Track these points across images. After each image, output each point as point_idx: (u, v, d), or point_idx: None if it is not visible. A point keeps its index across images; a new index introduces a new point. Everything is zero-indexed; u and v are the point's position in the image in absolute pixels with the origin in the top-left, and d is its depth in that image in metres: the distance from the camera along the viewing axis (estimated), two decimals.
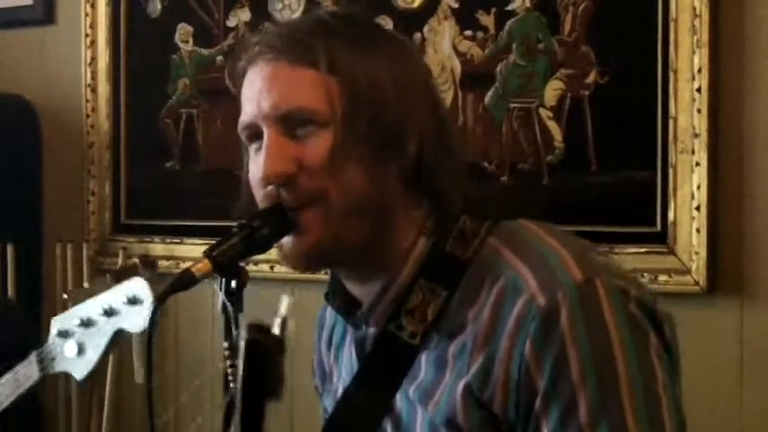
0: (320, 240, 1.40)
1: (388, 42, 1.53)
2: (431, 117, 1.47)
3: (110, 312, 1.87)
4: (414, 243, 1.46)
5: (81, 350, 1.91)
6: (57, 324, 1.96)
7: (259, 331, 1.21)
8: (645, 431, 1.31)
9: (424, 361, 1.42)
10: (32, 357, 2.02)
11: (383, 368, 1.46)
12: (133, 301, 1.87)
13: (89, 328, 1.90)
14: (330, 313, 1.65)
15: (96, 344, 1.90)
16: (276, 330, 1.22)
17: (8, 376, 2.06)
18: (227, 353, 1.45)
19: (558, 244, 1.41)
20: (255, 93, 1.42)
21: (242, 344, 1.22)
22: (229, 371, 1.32)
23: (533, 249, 1.41)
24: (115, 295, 1.89)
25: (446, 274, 1.43)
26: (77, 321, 1.91)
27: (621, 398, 1.31)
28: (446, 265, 1.44)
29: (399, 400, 1.44)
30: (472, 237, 1.44)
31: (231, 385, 1.31)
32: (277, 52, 1.42)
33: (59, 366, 1.96)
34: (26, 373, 2.04)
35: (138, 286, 1.87)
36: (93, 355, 1.91)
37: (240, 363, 1.22)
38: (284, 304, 1.27)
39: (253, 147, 1.44)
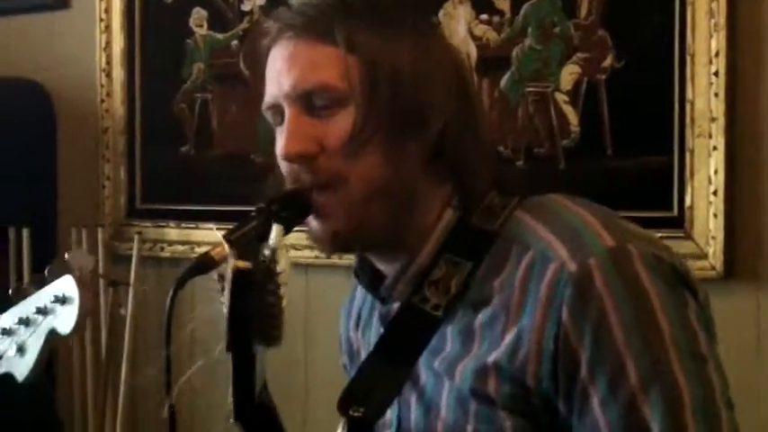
0: (344, 227, 1.41)
1: (412, 22, 1.51)
2: (455, 97, 1.47)
3: (43, 311, 1.82)
4: (439, 217, 1.45)
5: (21, 350, 1.85)
6: (1, 322, 1.90)
7: (248, 257, 1.22)
8: (696, 391, 1.30)
9: (450, 333, 1.41)
10: None
11: (404, 338, 1.45)
12: (63, 300, 1.80)
13: (28, 327, 1.85)
14: (359, 292, 1.65)
15: (34, 344, 1.84)
16: (264, 257, 1.23)
17: None
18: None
19: (588, 213, 1.40)
20: (276, 72, 1.43)
21: (228, 273, 1.21)
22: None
23: (562, 219, 1.41)
24: (47, 294, 1.82)
25: (471, 247, 1.43)
26: (17, 320, 1.86)
27: (670, 359, 1.31)
28: (471, 237, 1.43)
29: (424, 373, 1.44)
30: (500, 210, 1.44)
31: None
32: (297, 31, 1.42)
33: (3, 367, 1.89)
34: None
35: (66, 285, 1.80)
36: (31, 356, 1.85)
37: (227, 293, 1.22)
38: (274, 233, 1.29)
39: (277, 127, 1.45)
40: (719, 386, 1.33)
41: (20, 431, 2.27)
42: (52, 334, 1.80)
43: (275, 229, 1.30)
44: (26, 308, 1.83)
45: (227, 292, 1.20)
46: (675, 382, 1.30)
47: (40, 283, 1.82)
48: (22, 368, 1.83)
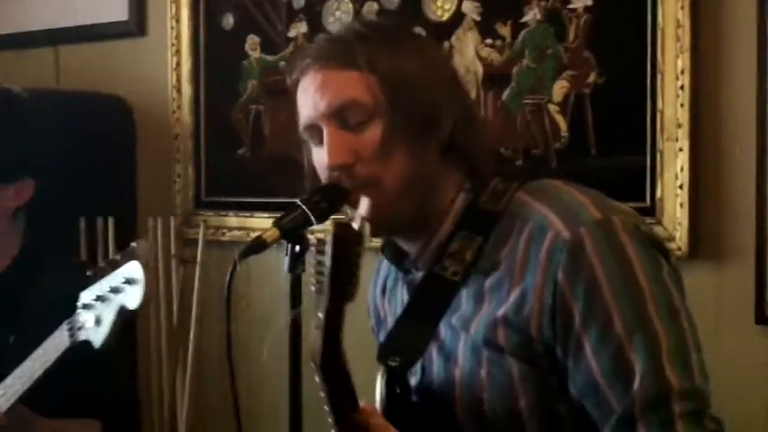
0: (378, 218, 1.39)
1: (415, 41, 1.55)
2: (459, 102, 1.48)
3: (115, 290, 1.84)
4: (453, 200, 1.46)
5: (98, 321, 1.88)
6: (83, 298, 1.93)
7: (344, 226, 1.22)
8: (671, 337, 1.31)
9: (465, 295, 1.42)
10: (63, 326, 1.97)
11: (429, 300, 1.46)
12: (131, 281, 1.82)
13: (103, 303, 1.87)
14: (384, 266, 1.65)
15: (108, 317, 1.87)
16: (356, 226, 1.24)
17: (38, 351, 2.02)
18: (292, 305, 1.44)
19: (579, 192, 1.41)
20: (310, 97, 1.43)
21: (329, 237, 1.20)
22: (314, 272, 1.27)
23: (556, 197, 1.41)
24: (118, 276, 1.85)
25: (481, 224, 1.43)
26: (95, 297, 1.89)
27: (649, 311, 1.31)
28: (481, 216, 1.43)
29: (443, 329, 1.44)
30: (503, 193, 1.44)
31: (313, 287, 1.27)
32: (324, 61, 1.43)
33: (83, 335, 1.92)
34: (56, 342, 1.99)
35: (134, 269, 1.83)
36: (105, 327, 1.87)
37: (328, 254, 1.20)
38: (363, 205, 1.30)
39: (314, 142, 1.46)
40: (690, 333, 1.34)
41: (97, 389, 2.24)
42: (122, 308, 1.83)
43: (364, 202, 1.31)
44: (102, 287, 1.86)
45: (328, 253, 1.19)
46: (654, 331, 1.31)
47: (112, 266, 1.85)
48: (98, 336, 1.87)
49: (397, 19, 2.76)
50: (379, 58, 1.41)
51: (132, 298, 1.83)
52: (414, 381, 1.48)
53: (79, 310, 1.92)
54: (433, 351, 1.46)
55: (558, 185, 1.45)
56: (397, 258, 1.54)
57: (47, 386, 2.09)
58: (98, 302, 1.89)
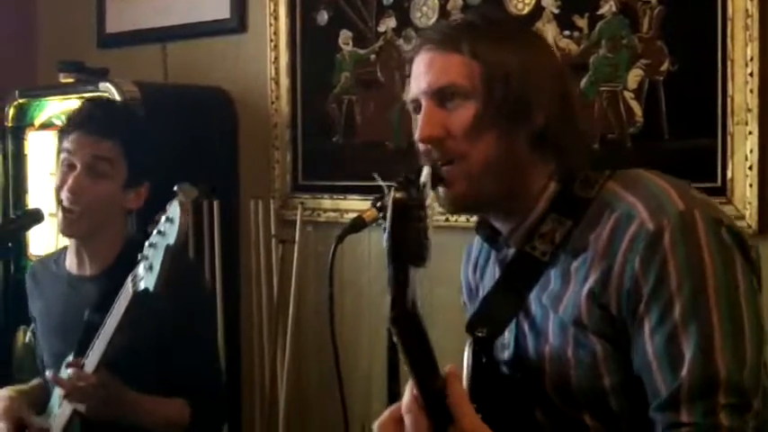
0: (464, 193, 1.41)
1: (520, 35, 1.53)
2: (556, 97, 1.46)
3: (161, 233, 1.82)
4: (545, 187, 1.45)
5: (151, 267, 1.85)
6: (143, 251, 1.90)
7: (403, 191, 1.18)
8: (726, 328, 1.29)
9: (554, 275, 1.42)
10: (128, 280, 1.96)
11: (518, 276, 1.45)
12: (171, 220, 1.79)
13: (154, 249, 1.85)
14: (475, 245, 1.65)
15: (157, 260, 1.83)
16: (417, 191, 1.20)
17: (112, 311, 2.01)
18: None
19: (665, 183, 1.39)
20: (418, 75, 1.45)
21: (389, 201, 1.17)
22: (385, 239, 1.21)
23: (645, 188, 1.39)
24: (163, 218, 1.82)
25: (572, 209, 1.43)
26: (148, 245, 1.87)
27: (709, 303, 1.30)
28: (573, 202, 1.43)
29: (534, 306, 1.44)
30: (594, 181, 1.43)
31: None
32: (435, 44, 1.45)
33: (141, 284, 1.89)
34: (123, 296, 1.99)
35: (173, 207, 1.79)
36: (156, 270, 1.84)
37: (388, 220, 1.17)
38: (425, 173, 1.29)
39: (416, 115, 1.47)
40: (750, 329, 1.31)
41: (187, 372, 2.25)
42: (167, 248, 1.80)
43: (425, 170, 1.30)
44: (153, 234, 1.85)
45: (388, 220, 1.16)
46: (711, 323, 1.29)
47: (163, 213, 1.84)
48: (151, 281, 1.84)
49: (497, 13, 2.68)
50: (482, 46, 1.42)
51: (172, 234, 1.79)
52: (507, 354, 1.47)
53: (139, 263, 1.91)
54: (525, 326, 1.45)
55: (646, 175, 1.43)
56: (490, 237, 1.54)
57: (139, 365, 2.15)
58: (150, 249, 1.86)
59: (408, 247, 1.16)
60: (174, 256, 1.81)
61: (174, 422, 2.21)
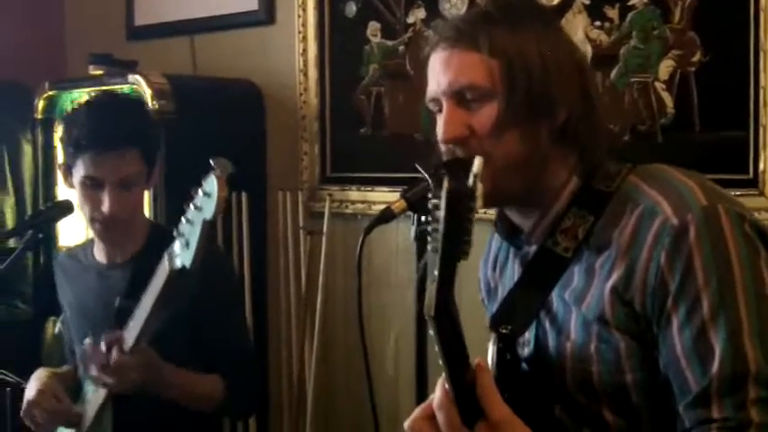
0: (487, 191, 1.33)
1: (541, 27, 1.48)
2: (577, 91, 1.45)
3: (198, 207, 1.77)
4: (567, 181, 1.45)
5: (187, 244, 1.81)
6: (179, 227, 1.86)
7: (457, 182, 1.18)
8: (754, 322, 1.29)
9: (577, 271, 1.41)
10: (165, 257, 1.94)
11: (541, 273, 1.45)
12: (207, 194, 1.74)
13: (190, 224, 1.81)
14: (495, 242, 1.65)
15: (194, 236, 1.79)
16: (470, 183, 1.19)
17: (149, 288, 2.00)
18: (421, 265, 1.41)
19: (688, 178, 1.39)
20: (436, 74, 1.44)
21: (444, 192, 1.16)
22: (430, 230, 1.20)
23: (667, 182, 1.39)
24: (199, 192, 1.77)
25: (593, 203, 1.42)
26: (184, 221, 1.82)
27: (737, 297, 1.29)
28: (593, 196, 1.42)
29: (555, 302, 1.44)
30: (615, 175, 1.43)
31: (429, 246, 1.20)
32: (450, 42, 1.43)
33: (177, 261, 1.88)
34: (160, 274, 1.97)
35: (210, 180, 1.75)
36: (193, 246, 1.80)
37: (442, 208, 1.16)
38: (476, 164, 1.26)
39: (437, 114, 1.46)
40: None
41: (221, 349, 2.27)
42: (204, 223, 1.76)
43: (477, 161, 1.26)
44: (189, 210, 1.80)
45: (443, 211, 1.16)
46: (739, 316, 1.29)
47: (198, 187, 1.79)
48: (188, 258, 1.81)
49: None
50: (501, 43, 1.40)
51: (209, 209, 1.75)
52: (527, 351, 1.46)
53: (175, 240, 1.88)
54: (546, 323, 1.45)
55: (668, 170, 1.43)
56: (510, 233, 1.54)
57: (173, 343, 2.15)
58: (186, 226, 1.82)
59: (461, 239, 1.15)
60: (210, 230, 1.80)
61: (210, 397, 2.23)
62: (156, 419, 2.21)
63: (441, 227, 1.15)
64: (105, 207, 2.17)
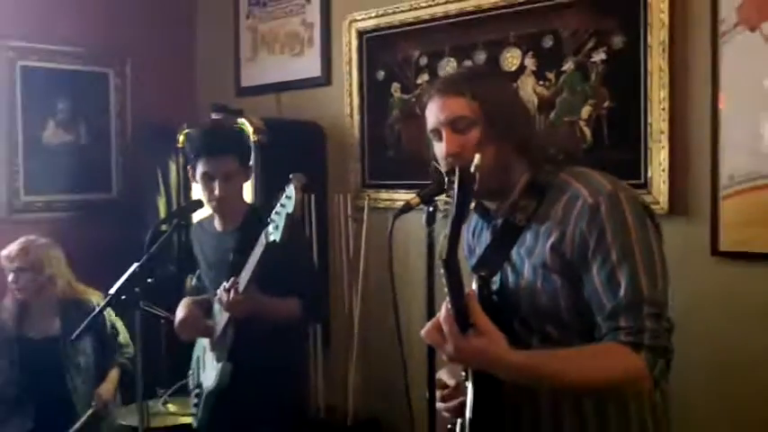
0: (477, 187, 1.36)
1: (500, 80, 1.56)
2: (525, 119, 1.46)
3: (283, 205, 1.85)
4: (521, 177, 1.43)
5: (277, 227, 1.86)
6: (271, 217, 1.91)
7: (465, 170, 1.17)
8: (647, 266, 1.28)
9: (528, 235, 1.39)
10: (263, 234, 1.96)
11: (505, 237, 1.42)
12: (289, 197, 1.81)
13: (278, 215, 1.87)
14: (473, 220, 1.60)
15: (282, 222, 1.86)
16: (472, 170, 1.19)
17: (253, 252, 2.03)
18: (429, 239, 1.45)
19: (599, 175, 1.38)
20: (434, 113, 1.41)
21: (456, 177, 1.13)
22: (444, 202, 1.19)
23: (585, 177, 1.37)
24: (283, 195, 1.84)
25: (538, 191, 1.40)
26: (275, 212, 1.90)
27: (633, 250, 1.29)
28: (538, 187, 1.40)
29: (514, 256, 1.41)
30: (552, 174, 1.41)
31: (441, 215, 1.19)
32: (443, 91, 1.41)
33: (271, 237, 1.91)
34: (260, 244, 2.00)
35: (290, 188, 1.82)
36: (280, 228, 1.86)
37: (455, 187, 1.13)
38: (477, 158, 1.25)
39: (435, 140, 1.43)
40: (660, 266, 1.31)
41: (300, 282, 2.23)
42: (287, 215, 1.84)
43: (477, 157, 1.25)
44: (277, 207, 1.88)
45: (456, 188, 1.13)
46: (636, 261, 1.29)
47: (283, 192, 1.87)
48: (277, 236, 1.89)
49: (487, 67, 2.73)
50: (478, 89, 1.39)
51: (290, 205, 1.81)
52: (494, 287, 1.43)
53: (268, 225, 1.92)
54: (508, 269, 1.42)
55: (585, 170, 1.41)
56: (484, 212, 1.51)
57: (270, 279, 2.18)
58: (276, 216, 1.87)
59: (465, 209, 1.15)
60: (292, 219, 1.85)
61: (292, 314, 2.23)
62: (260, 332, 2.21)
63: (453, 200, 1.14)
64: (216, 192, 2.22)
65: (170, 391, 2.78)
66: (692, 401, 2.28)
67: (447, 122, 1.39)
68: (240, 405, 2.26)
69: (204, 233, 2.46)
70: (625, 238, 1.29)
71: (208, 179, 2.24)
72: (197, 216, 2.77)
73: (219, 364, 2.25)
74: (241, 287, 2.11)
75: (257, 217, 2.06)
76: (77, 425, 2.82)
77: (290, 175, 1.87)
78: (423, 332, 1.25)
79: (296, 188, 1.83)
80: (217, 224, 2.39)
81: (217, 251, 2.35)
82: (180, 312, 2.34)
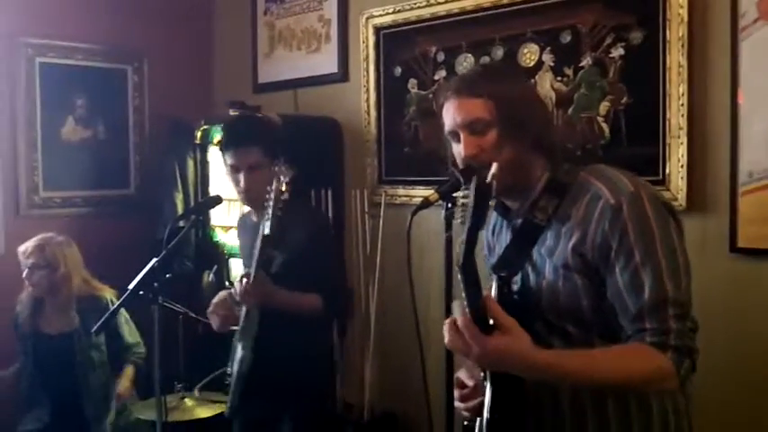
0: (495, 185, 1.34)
1: (517, 77, 1.53)
2: (543, 115, 1.45)
3: (271, 199, 2.03)
4: (540, 176, 1.42)
5: (268, 220, 2.04)
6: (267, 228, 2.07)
7: (482, 178, 1.19)
8: (669, 265, 1.28)
9: (549, 234, 1.39)
10: (260, 227, 2.05)
11: (525, 236, 1.42)
12: (280, 191, 1.98)
13: (268, 210, 2.04)
14: (492, 218, 1.60)
15: (270, 215, 2.03)
16: (488, 179, 1.20)
17: (255, 243, 2.10)
18: (448, 234, 1.48)
19: (620, 173, 1.37)
20: (451, 115, 1.41)
21: (473, 185, 1.15)
22: (460, 208, 1.20)
23: (606, 176, 1.36)
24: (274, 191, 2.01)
25: (559, 190, 1.39)
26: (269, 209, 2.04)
27: (656, 250, 1.28)
28: (558, 186, 1.40)
29: (535, 255, 1.40)
30: (572, 172, 1.40)
31: (458, 220, 1.19)
32: (459, 92, 1.40)
33: (266, 230, 2.02)
34: (259, 237, 2.07)
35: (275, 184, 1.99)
36: (270, 223, 2.05)
37: (471, 195, 1.14)
38: (494, 167, 1.27)
39: (454, 141, 1.43)
40: (683, 265, 1.31)
41: (320, 278, 2.24)
42: (271, 207, 1.97)
43: (495, 166, 1.26)
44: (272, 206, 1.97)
45: (471, 198, 1.16)
46: (659, 261, 1.29)
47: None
48: (268, 228, 2.00)
49: (504, 63, 2.72)
50: (494, 89, 1.38)
51: (272, 200, 1.92)
52: (516, 287, 1.43)
53: (266, 220, 1.97)
54: (529, 269, 1.41)
55: (607, 168, 1.40)
56: (504, 212, 1.51)
57: (287, 272, 2.21)
58: (266, 209, 1.95)
59: (481, 217, 1.15)
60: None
61: (313, 309, 2.25)
62: (284, 322, 2.23)
63: (469, 208, 1.15)
64: (242, 184, 2.26)
65: (201, 383, 2.79)
66: (710, 395, 2.27)
67: (464, 125, 1.38)
68: (265, 392, 2.29)
69: (245, 225, 2.51)
70: (647, 239, 1.29)
71: (234, 171, 2.29)
72: (215, 218, 2.79)
73: (243, 353, 2.30)
74: (251, 278, 2.16)
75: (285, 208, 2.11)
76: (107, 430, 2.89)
77: (276, 168, 1.94)
78: (446, 342, 1.24)
79: (276, 182, 1.93)
80: (253, 215, 2.44)
81: (251, 242, 2.36)
82: (216, 307, 2.37)
